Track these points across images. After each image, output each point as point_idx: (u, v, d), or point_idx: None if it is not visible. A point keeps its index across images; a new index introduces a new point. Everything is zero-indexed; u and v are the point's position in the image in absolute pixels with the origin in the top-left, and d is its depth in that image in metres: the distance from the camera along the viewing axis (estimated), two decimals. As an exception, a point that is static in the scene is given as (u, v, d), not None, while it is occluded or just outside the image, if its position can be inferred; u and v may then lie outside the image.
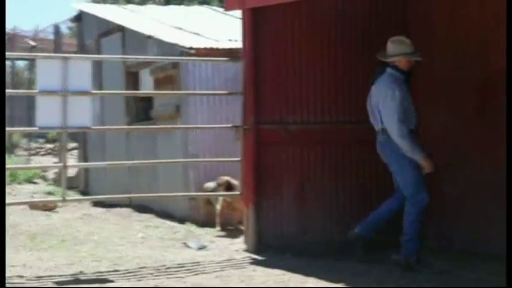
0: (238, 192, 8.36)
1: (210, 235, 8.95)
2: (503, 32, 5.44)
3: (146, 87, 11.42)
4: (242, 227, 8.40)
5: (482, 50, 7.42)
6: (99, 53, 12.51)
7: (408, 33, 7.96)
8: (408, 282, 6.33)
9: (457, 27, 7.60)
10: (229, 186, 9.00)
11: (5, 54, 3.83)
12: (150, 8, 16.58)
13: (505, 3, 5.78)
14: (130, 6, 16.25)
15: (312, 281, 6.38)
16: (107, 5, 19.27)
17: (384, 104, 6.82)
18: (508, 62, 4.93)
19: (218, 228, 9.25)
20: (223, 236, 8.89)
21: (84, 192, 13.46)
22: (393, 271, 6.74)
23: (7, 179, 12.65)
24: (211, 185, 9.24)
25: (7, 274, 6.10)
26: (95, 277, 6.61)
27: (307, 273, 6.56)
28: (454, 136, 7.77)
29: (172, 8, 16.04)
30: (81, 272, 6.75)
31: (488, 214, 7.31)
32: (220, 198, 9.23)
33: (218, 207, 9.30)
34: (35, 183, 15.23)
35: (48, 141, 21.73)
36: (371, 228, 7.21)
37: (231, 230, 9.19)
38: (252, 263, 7.21)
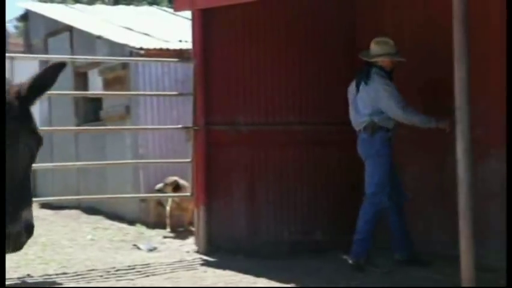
0: (188, 193, 8.32)
1: (160, 236, 8.89)
2: (449, 36, 5.52)
3: (96, 88, 11.31)
4: (193, 228, 8.37)
5: (429, 53, 7.51)
6: (46, 53, 12.33)
7: (356, 35, 8.05)
8: (358, 283, 6.39)
9: (404, 30, 7.67)
10: (177, 186, 8.95)
11: (5, 54, 3.70)
12: (99, 7, 16.43)
13: (450, 8, 5.87)
14: (78, 5, 16.08)
15: (262, 281, 6.39)
16: (55, 4, 19.01)
17: (383, 100, 6.87)
18: (508, 61, 5.00)
19: (168, 229, 9.21)
20: (174, 238, 8.85)
21: (31, 194, 13.24)
22: (343, 271, 6.78)
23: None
24: (160, 185, 9.20)
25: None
26: (43, 280, 6.52)
27: (258, 274, 6.57)
28: (401, 136, 7.85)
29: (121, 8, 15.92)
30: (28, 275, 6.65)
31: (429, 214, 7.38)
32: (170, 199, 9.18)
33: (168, 208, 9.26)
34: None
35: (-6, 143, 21.36)
36: (407, 247, 7.10)
37: (181, 232, 9.15)
38: (202, 265, 7.19)
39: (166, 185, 9.05)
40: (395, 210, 6.97)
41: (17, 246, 3.32)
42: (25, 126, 3.35)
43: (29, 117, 3.39)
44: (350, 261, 6.87)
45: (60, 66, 3.33)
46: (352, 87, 7.13)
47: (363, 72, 7.03)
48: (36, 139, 3.38)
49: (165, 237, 8.85)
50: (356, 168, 8.00)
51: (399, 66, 7.08)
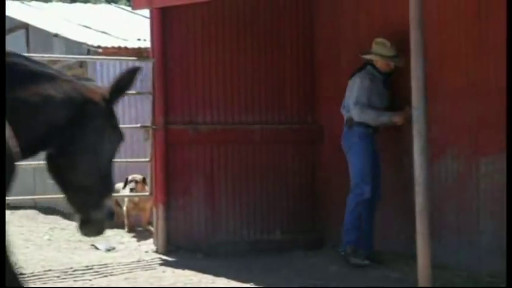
0: (147, 193, 8.27)
1: (118, 236, 8.83)
2: (407, 36, 5.57)
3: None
4: (151, 228, 8.33)
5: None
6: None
7: (315, 35, 8.08)
8: (315, 282, 6.42)
9: (361, 30, 7.72)
10: (144, 181, 8.88)
11: (5, 54, 3.71)
12: (56, 5, 16.25)
13: (406, 9, 5.92)
14: (35, 3, 15.88)
15: (222, 281, 6.39)
16: (11, 1, 18.75)
17: (352, 92, 7.04)
18: (508, 61, 5.06)
19: (127, 229, 9.15)
20: (133, 237, 8.79)
21: (-13, 194, 13.06)
22: (301, 271, 6.81)
23: None
24: (132, 185, 9.08)
25: None
26: (-2, 281, 6.42)
27: (217, 274, 6.56)
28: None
29: (79, 6, 15.78)
30: (-16, 277, 6.54)
31: (388, 214, 7.43)
32: (126, 199, 9.11)
33: (124, 208, 9.19)
34: None
35: None
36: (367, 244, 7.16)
37: (140, 231, 9.10)
38: (161, 264, 7.16)
39: (137, 182, 8.92)
40: (367, 206, 7.05)
41: (100, 231, 3.90)
42: (110, 123, 3.85)
43: (113, 115, 3.88)
44: (340, 251, 7.00)
45: (136, 69, 3.85)
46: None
47: (358, 68, 7.16)
48: (119, 135, 3.93)
49: (125, 237, 8.78)
50: (313, 167, 8.06)
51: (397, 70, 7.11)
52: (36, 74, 3.69)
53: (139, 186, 8.88)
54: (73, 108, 3.71)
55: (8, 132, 3.47)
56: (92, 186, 3.78)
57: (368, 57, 7.13)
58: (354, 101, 6.99)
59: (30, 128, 3.69)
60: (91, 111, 3.76)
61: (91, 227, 3.85)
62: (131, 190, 8.84)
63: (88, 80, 4.14)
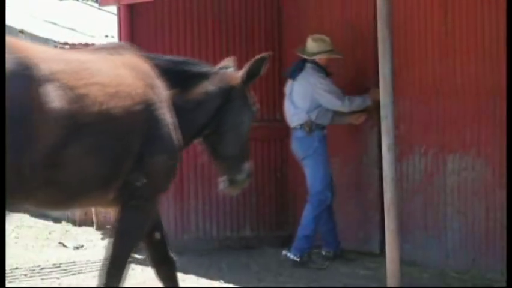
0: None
1: (87, 234, 8.78)
2: (369, 33, 5.62)
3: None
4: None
5: (349, 51, 7.54)
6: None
7: (282, 31, 8.09)
8: (287, 279, 6.44)
9: (325, 28, 7.75)
10: None
11: (5, 54, 3.81)
12: (21, 0, 16.06)
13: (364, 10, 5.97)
14: (0, -2, 15.68)
15: (191, 278, 6.39)
16: (-24, -3, 18.51)
17: (322, 95, 6.92)
18: (509, 61, 5.10)
19: (95, 227, 9.10)
20: (102, 235, 8.74)
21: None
22: (271, 268, 6.82)
23: None
24: None
25: None
26: (-36, 280, 6.36)
27: (186, 271, 6.55)
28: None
29: (45, 2, 15.62)
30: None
31: (348, 213, 7.49)
32: None
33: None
34: None
35: None
36: (333, 243, 7.16)
37: (109, 229, 9.04)
38: (130, 262, 7.10)
39: None
40: (327, 209, 7.03)
41: (242, 188, 4.96)
42: (247, 104, 4.82)
43: (248, 97, 4.85)
44: (293, 257, 6.84)
45: (264, 58, 4.85)
46: (288, 83, 7.17)
47: (297, 67, 7.08)
48: (252, 112, 4.89)
49: (93, 235, 8.73)
50: (282, 164, 8.08)
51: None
52: (196, 75, 4.65)
53: None
54: (222, 96, 4.69)
55: (175, 127, 4.33)
56: (236, 154, 4.79)
57: (315, 57, 7.03)
58: (338, 97, 6.89)
59: (193, 122, 4.58)
60: (233, 96, 4.74)
61: (235, 186, 4.88)
62: None
63: (227, 67, 4.89)
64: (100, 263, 7.00)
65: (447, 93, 6.59)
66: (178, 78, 4.52)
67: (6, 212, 9.32)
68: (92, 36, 10.37)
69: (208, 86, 4.65)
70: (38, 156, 3.74)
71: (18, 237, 8.54)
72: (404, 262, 5.66)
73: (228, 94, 4.71)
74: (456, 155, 6.54)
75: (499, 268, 5.94)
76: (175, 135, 4.34)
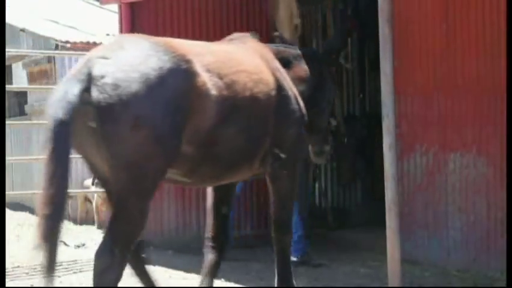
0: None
1: (88, 232, 8.79)
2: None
3: (20, 81, 11.09)
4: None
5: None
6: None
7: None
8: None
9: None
10: None
11: (5, 54, 4.06)
12: (22, -1, 16.07)
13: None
14: (1, -3, 15.69)
15: (193, 277, 6.38)
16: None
17: None
18: (509, 61, 5.10)
19: (97, 225, 9.10)
20: (103, 233, 8.73)
21: (-47, 190, 12.91)
22: (272, 267, 6.81)
23: None
24: (89, 182, 9.05)
25: None
26: (-34, 279, 6.37)
27: (187, 270, 6.56)
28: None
29: (46, 1, 15.62)
30: (-49, 274, 6.48)
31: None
32: (96, 195, 9.06)
33: (94, 204, 9.15)
34: None
35: None
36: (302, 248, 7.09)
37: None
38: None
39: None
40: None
41: (327, 159, 5.93)
42: (333, 80, 5.51)
43: (333, 74, 5.58)
44: (293, 258, 6.79)
45: (345, 28, 5.39)
46: None
47: None
48: (335, 89, 5.82)
49: (95, 233, 8.75)
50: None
51: None
52: (295, 56, 5.27)
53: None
54: (317, 74, 5.31)
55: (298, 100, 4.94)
56: (326, 128, 5.49)
57: None
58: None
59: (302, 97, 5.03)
60: (324, 74, 5.38)
61: (323, 156, 5.53)
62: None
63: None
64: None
65: (448, 91, 6.59)
66: (285, 59, 5.16)
67: (10, 211, 9.20)
68: (93, 35, 10.37)
69: (306, 65, 5.26)
70: (201, 136, 4.26)
71: (19, 236, 8.55)
72: (405, 261, 5.66)
73: (321, 72, 5.36)
74: (457, 153, 6.54)
75: (500, 267, 5.93)
76: (299, 108, 4.95)
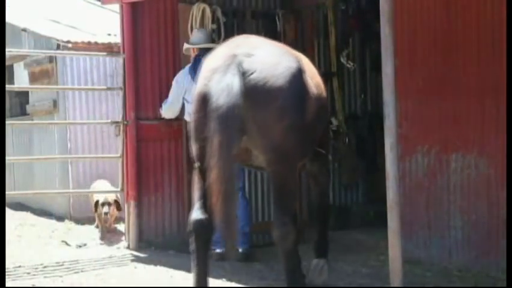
0: (118, 189, 8.21)
1: (90, 232, 8.78)
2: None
3: (22, 81, 11.07)
4: (122, 224, 8.30)
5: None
6: (-30, 45, 12.02)
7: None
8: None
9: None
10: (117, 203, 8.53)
11: (5, 55, 4.35)
12: (23, -1, 16.06)
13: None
14: (3, -4, 15.69)
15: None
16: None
17: None
18: (509, 62, 5.09)
19: (95, 225, 9.08)
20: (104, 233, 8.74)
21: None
22: (274, 266, 6.82)
23: None
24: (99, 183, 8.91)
25: None
26: (-33, 278, 6.36)
27: (189, 270, 6.52)
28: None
29: (47, 0, 15.61)
30: (-48, 274, 6.48)
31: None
32: (97, 220, 8.77)
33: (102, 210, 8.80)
34: None
35: None
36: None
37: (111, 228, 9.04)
38: (133, 261, 7.14)
39: (110, 205, 8.39)
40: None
41: None
42: None
43: None
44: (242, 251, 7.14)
45: None
46: None
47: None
48: None
49: (96, 233, 8.74)
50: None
51: None
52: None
53: (112, 209, 8.40)
54: None
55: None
56: None
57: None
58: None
59: None
60: None
61: None
62: (106, 214, 8.37)
63: None
64: (103, 261, 7.04)
65: (450, 91, 6.58)
66: None
67: (11, 211, 9.19)
68: (95, 35, 10.35)
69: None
70: (306, 124, 5.00)
71: (21, 236, 8.55)
72: (407, 261, 5.65)
73: None
74: (459, 153, 6.53)
75: (501, 266, 5.93)
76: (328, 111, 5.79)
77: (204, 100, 4.69)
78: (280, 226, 4.92)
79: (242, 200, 7.15)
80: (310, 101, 5.06)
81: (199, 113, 4.78)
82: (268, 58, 4.83)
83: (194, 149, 4.90)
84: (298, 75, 4.92)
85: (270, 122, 4.71)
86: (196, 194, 4.99)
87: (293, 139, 4.83)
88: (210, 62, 4.92)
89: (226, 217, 4.54)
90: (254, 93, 4.65)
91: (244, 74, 4.64)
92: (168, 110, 7.36)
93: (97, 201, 8.49)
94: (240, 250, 7.02)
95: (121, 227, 8.74)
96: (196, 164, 4.94)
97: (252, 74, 4.67)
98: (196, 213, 4.93)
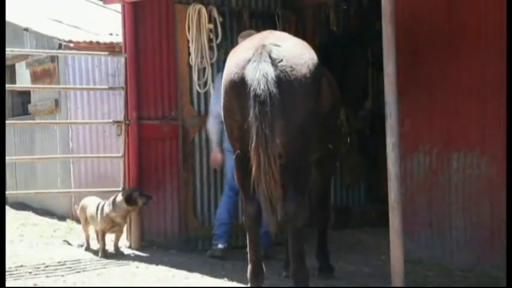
0: (120, 188, 8.21)
1: (91, 232, 8.75)
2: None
3: (23, 81, 11.08)
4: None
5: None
6: (-28, 45, 12.02)
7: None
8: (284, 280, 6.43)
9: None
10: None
11: (5, 55, 4.44)
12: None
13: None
14: (5, -4, 15.68)
15: (196, 276, 6.39)
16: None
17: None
18: (509, 62, 5.09)
19: (101, 254, 9.03)
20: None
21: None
22: (275, 265, 6.82)
23: None
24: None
25: None
26: (-31, 278, 6.37)
27: (190, 269, 6.57)
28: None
29: (49, 0, 15.62)
30: (-46, 273, 6.49)
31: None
32: (99, 218, 8.63)
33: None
34: None
35: None
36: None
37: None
38: (134, 260, 7.14)
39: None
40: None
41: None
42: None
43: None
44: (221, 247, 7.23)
45: None
46: None
47: None
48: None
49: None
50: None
51: None
52: None
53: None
54: None
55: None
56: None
57: None
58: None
59: None
60: None
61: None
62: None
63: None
64: (105, 261, 7.04)
65: (452, 91, 6.58)
66: None
67: (13, 211, 9.16)
68: (97, 34, 10.37)
69: None
70: (322, 117, 5.51)
71: (23, 235, 8.55)
72: (408, 260, 5.65)
73: None
74: (460, 153, 6.53)
75: (503, 266, 5.92)
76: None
77: (239, 86, 5.08)
78: (293, 203, 5.21)
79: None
80: (326, 91, 5.66)
81: (233, 99, 5.18)
82: (293, 49, 5.28)
83: (231, 135, 5.37)
84: (318, 66, 5.37)
85: (295, 105, 5.11)
86: (241, 182, 5.38)
87: (312, 122, 5.29)
88: (239, 52, 5.32)
89: (273, 197, 4.95)
90: (282, 79, 5.06)
91: (273, 61, 5.06)
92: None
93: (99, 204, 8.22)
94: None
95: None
96: (237, 152, 5.31)
97: (280, 61, 5.09)
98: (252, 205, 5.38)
